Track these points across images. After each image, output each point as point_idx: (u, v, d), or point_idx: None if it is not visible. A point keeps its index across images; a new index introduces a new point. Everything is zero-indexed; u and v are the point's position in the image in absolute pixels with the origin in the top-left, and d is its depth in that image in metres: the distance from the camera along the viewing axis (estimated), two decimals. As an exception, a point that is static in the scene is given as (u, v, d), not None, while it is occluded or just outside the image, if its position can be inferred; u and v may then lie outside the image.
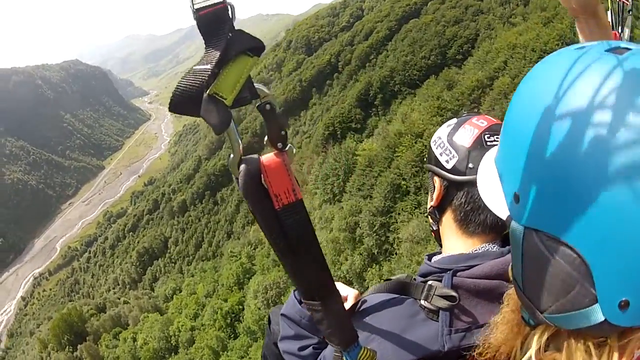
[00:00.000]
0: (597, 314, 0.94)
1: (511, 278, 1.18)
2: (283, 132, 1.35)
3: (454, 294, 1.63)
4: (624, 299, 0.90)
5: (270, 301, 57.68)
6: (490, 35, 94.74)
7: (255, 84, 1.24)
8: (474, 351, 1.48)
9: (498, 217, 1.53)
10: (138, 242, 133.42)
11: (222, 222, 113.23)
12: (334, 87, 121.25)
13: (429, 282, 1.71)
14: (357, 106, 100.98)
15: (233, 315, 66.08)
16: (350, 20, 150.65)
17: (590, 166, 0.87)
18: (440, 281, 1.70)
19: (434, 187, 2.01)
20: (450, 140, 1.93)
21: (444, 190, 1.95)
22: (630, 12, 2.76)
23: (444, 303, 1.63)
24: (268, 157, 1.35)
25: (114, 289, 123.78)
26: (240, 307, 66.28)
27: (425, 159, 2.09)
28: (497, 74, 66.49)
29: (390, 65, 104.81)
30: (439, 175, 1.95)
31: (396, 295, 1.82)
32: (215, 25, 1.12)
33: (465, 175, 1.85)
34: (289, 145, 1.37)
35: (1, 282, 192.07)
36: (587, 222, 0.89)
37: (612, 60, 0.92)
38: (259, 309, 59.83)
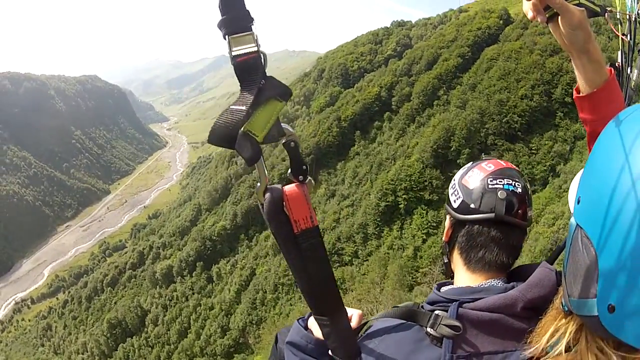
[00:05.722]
0: (593, 307, 1.12)
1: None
2: (304, 167, 1.50)
3: (458, 324, 1.69)
4: (611, 303, 1.08)
5: None
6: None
7: (282, 124, 1.39)
8: None
9: (495, 255, 1.91)
10: (115, 303, 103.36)
11: (217, 310, 78.85)
12: (386, 130, 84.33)
13: (436, 312, 1.78)
14: (431, 165, 63.52)
15: None
16: (397, 48, 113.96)
17: (624, 189, 1.05)
18: (447, 311, 1.77)
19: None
20: (459, 182, 2.06)
21: (452, 227, 2.07)
22: None
23: (448, 332, 1.69)
24: (290, 187, 1.50)
25: (82, 354, 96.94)
26: None
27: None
28: None
29: (478, 105, 67.77)
30: (449, 213, 2.08)
31: (404, 321, 1.88)
32: (249, 71, 1.26)
33: (467, 214, 1.97)
34: (308, 178, 1.52)
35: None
36: (610, 238, 1.07)
37: None
38: None
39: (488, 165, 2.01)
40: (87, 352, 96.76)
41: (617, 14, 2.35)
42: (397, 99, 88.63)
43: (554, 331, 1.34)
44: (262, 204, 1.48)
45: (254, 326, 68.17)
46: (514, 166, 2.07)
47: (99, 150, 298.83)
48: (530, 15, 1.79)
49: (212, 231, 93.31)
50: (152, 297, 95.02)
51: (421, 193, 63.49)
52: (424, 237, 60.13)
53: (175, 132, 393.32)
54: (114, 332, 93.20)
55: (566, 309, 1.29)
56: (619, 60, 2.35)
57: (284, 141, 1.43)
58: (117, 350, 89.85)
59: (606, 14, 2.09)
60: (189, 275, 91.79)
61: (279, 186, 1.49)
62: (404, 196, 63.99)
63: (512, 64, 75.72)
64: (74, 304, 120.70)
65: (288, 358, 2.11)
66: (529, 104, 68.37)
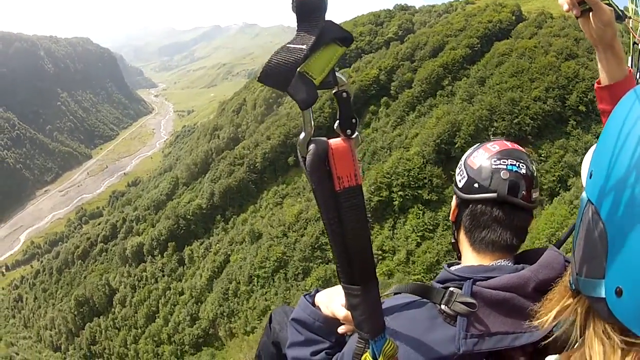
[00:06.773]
0: (601, 289, 1.05)
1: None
2: (354, 120, 1.38)
3: (473, 301, 1.67)
4: (619, 286, 1.00)
5: None
6: None
7: (336, 73, 1.28)
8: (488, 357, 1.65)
9: (498, 235, 1.93)
10: (84, 278, 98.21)
11: (187, 296, 72.93)
12: (382, 117, 78.01)
13: (451, 289, 1.76)
14: (433, 161, 57.53)
15: None
16: (399, 32, 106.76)
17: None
18: (461, 288, 1.75)
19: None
20: (465, 162, 2.10)
21: (458, 207, 2.11)
22: None
23: (463, 309, 1.67)
24: (336, 141, 1.38)
25: (50, 329, 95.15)
26: None
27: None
28: None
29: (488, 101, 61.73)
30: (455, 193, 2.12)
31: (417, 298, 1.85)
32: (311, 11, 1.16)
33: (471, 194, 2.00)
34: (356, 133, 1.40)
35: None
36: (621, 213, 0.99)
37: None
38: None
39: (493, 146, 2.04)
40: (55, 328, 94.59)
41: (631, 21, 2.37)
42: (397, 84, 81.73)
43: (561, 309, 1.27)
44: (304, 157, 1.34)
45: (225, 318, 63.46)
46: (520, 147, 2.08)
47: (84, 114, 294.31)
48: (565, 7, 1.86)
49: (187, 209, 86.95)
50: (121, 276, 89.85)
51: (419, 191, 57.22)
52: (419, 240, 54.21)
53: (162, 99, 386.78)
54: (82, 310, 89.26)
55: (574, 287, 1.22)
56: (629, 64, 2.34)
57: (335, 91, 1.32)
58: (84, 329, 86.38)
59: (626, 20, 2.18)
60: (159, 255, 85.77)
61: (324, 139, 1.36)
62: (399, 192, 57.79)
63: (525, 62, 69.66)
64: (45, 274, 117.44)
65: (292, 336, 2.09)
66: (542, 107, 62.39)
